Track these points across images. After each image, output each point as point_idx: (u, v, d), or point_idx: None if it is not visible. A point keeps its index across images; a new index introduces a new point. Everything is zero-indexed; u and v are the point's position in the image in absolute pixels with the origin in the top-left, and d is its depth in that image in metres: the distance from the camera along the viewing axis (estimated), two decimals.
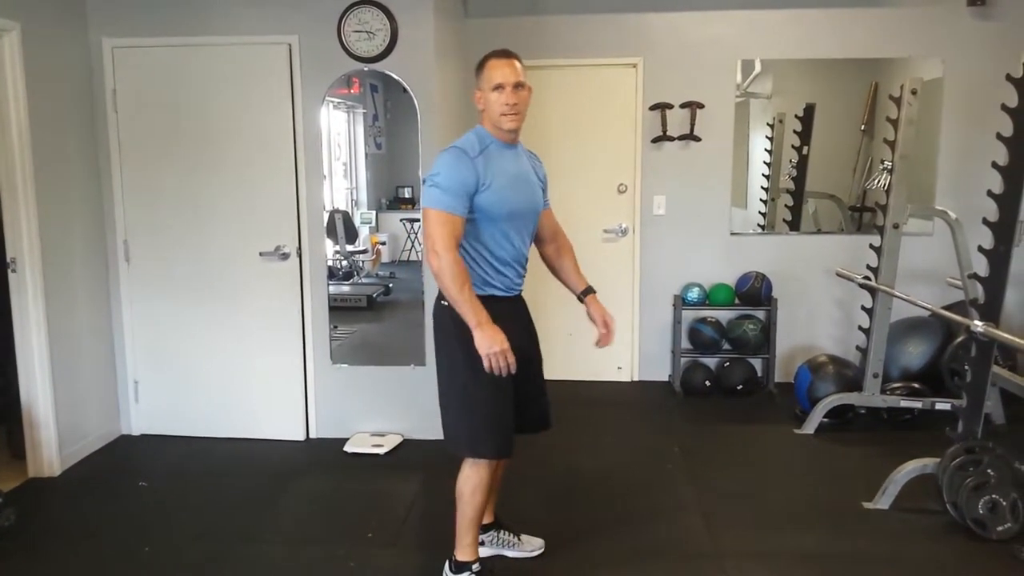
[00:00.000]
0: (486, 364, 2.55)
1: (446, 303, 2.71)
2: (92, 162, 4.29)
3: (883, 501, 3.54)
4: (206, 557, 3.16)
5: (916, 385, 4.57)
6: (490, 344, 2.54)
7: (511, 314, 2.79)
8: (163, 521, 3.48)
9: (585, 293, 3.04)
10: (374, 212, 4.95)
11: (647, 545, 3.24)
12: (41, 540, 3.34)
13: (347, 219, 4.81)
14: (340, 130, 4.75)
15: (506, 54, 2.75)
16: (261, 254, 4.29)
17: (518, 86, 2.71)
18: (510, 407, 2.76)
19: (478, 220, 2.68)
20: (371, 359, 4.48)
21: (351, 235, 4.83)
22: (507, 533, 3.15)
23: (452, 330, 2.71)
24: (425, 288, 4.34)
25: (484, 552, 3.04)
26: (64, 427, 4.04)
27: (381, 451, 4.21)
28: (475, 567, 2.79)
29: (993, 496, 3.24)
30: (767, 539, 3.29)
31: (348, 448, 4.27)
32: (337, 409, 4.46)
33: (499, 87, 2.69)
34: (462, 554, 2.80)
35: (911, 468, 3.52)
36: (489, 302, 2.66)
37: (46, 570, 3.08)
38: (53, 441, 3.97)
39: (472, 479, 2.75)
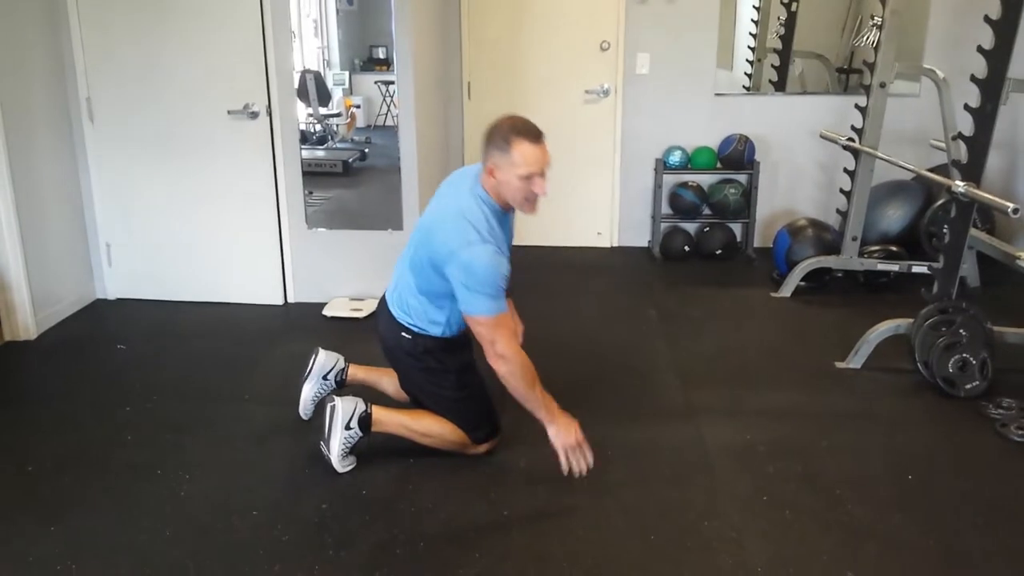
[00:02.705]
0: (564, 461, 2.50)
1: (408, 336, 2.71)
2: (48, 14, 4.06)
3: (855, 361, 3.60)
4: (185, 417, 3.19)
5: (894, 248, 4.60)
6: (567, 437, 2.50)
7: (460, 337, 2.81)
8: (142, 382, 3.49)
9: None
10: (347, 73, 4.78)
11: (622, 404, 3.30)
12: (20, 401, 3.36)
13: (319, 80, 4.64)
14: None
15: (537, 134, 2.48)
16: (229, 112, 4.13)
17: (545, 171, 2.50)
18: (489, 392, 2.84)
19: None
20: (348, 224, 4.42)
21: (324, 97, 4.67)
22: None
23: (421, 358, 2.74)
24: (401, 154, 4.22)
25: None
26: (38, 290, 3.99)
27: (360, 315, 4.21)
28: (362, 439, 2.77)
29: (964, 355, 3.30)
30: (740, 397, 3.35)
31: (327, 312, 4.27)
32: (314, 274, 4.43)
33: (530, 176, 2.47)
34: (378, 426, 2.77)
35: (884, 328, 3.56)
36: (444, 338, 2.72)
37: (26, 430, 3.10)
38: (27, 304, 3.93)
39: (450, 441, 2.79)
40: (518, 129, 2.47)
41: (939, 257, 3.52)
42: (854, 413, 3.21)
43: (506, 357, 2.47)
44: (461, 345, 2.81)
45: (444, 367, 2.76)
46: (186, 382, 3.52)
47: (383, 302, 2.85)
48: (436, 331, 2.71)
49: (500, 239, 2.56)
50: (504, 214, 2.64)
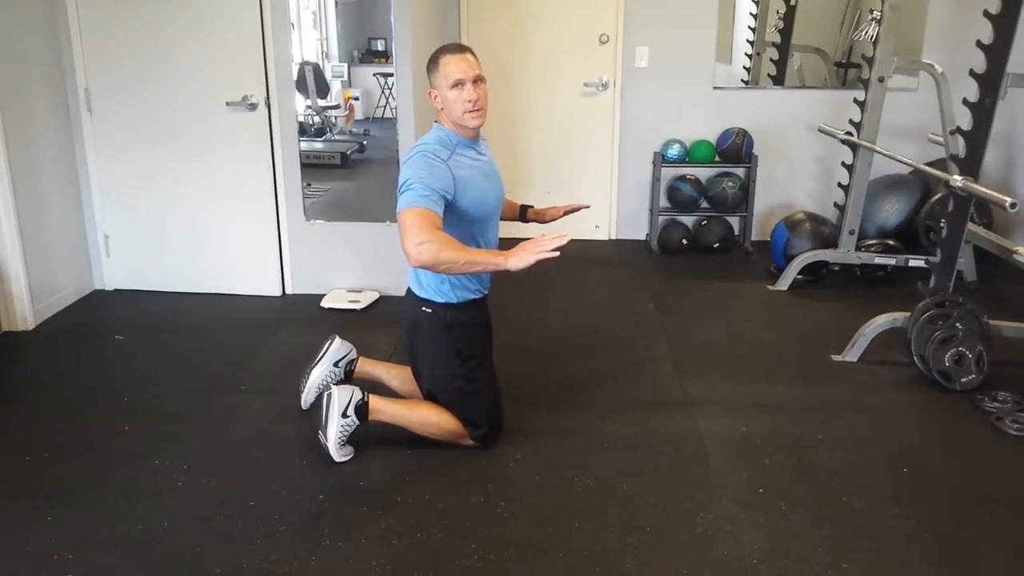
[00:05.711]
0: (546, 254, 2.39)
1: (428, 309, 2.70)
2: (46, 4, 4.05)
3: (852, 354, 3.61)
4: (184, 407, 3.19)
5: (891, 242, 4.60)
6: (523, 252, 2.38)
7: (482, 317, 2.82)
8: (140, 373, 3.50)
9: (523, 210, 3.15)
10: (346, 65, 4.78)
11: (619, 396, 3.31)
12: (17, 391, 3.36)
13: (318, 72, 4.64)
14: None
15: (460, 48, 2.64)
16: (228, 104, 4.13)
17: (477, 80, 2.60)
18: (499, 391, 2.86)
19: (453, 224, 2.54)
20: (346, 216, 4.42)
21: (322, 89, 4.67)
22: None
23: (439, 336, 2.73)
24: (400, 146, 4.22)
25: None
26: (35, 281, 3.99)
27: (358, 307, 4.21)
28: (359, 427, 2.78)
29: (960, 349, 3.31)
30: (736, 389, 3.36)
31: (325, 304, 4.27)
32: (313, 265, 4.43)
33: (458, 84, 2.57)
34: (375, 415, 2.78)
35: (881, 322, 3.57)
36: (464, 308, 2.70)
37: (24, 420, 3.10)
38: (25, 295, 3.93)
39: (447, 431, 2.79)
40: (442, 48, 2.64)
41: (936, 251, 3.53)
42: (850, 406, 3.22)
43: (426, 240, 2.34)
44: (481, 325, 2.81)
45: (461, 350, 2.74)
46: (184, 373, 3.52)
47: (407, 290, 2.83)
48: (449, 294, 2.69)
49: (470, 168, 2.62)
50: (471, 142, 2.70)
